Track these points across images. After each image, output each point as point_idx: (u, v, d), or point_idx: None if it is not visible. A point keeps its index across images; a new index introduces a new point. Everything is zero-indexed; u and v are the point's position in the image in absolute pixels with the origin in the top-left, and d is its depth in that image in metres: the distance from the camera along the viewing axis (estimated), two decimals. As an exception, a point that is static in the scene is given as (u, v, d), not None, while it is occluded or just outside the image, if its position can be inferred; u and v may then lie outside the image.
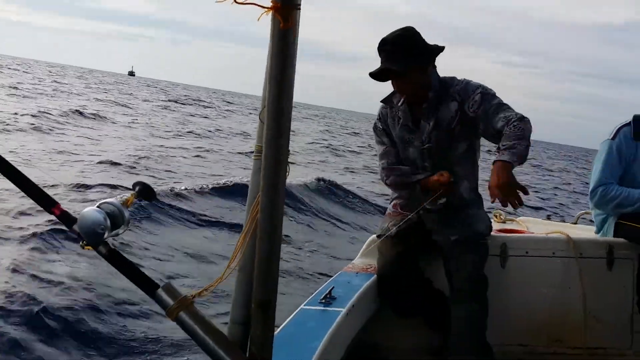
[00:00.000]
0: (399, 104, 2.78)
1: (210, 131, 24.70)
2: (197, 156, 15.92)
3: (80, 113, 23.04)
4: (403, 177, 2.76)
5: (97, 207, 1.41)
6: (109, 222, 1.39)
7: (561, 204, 15.98)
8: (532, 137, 2.48)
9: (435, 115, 2.70)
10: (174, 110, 36.82)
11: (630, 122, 2.90)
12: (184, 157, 15.39)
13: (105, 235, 1.39)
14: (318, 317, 2.16)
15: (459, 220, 2.69)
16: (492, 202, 2.38)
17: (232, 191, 10.75)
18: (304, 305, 2.28)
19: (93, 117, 22.95)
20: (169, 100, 48.09)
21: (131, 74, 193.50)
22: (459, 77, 2.74)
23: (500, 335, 2.72)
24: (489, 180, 2.37)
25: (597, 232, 3.11)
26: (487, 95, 2.63)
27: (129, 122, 23.46)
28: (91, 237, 1.39)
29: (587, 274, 2.82)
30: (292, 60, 1.26)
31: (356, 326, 2.40)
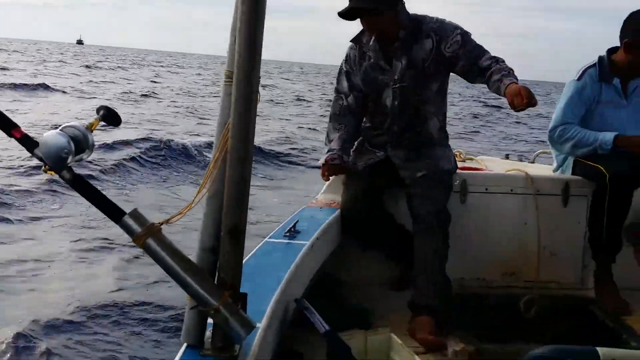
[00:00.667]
0: (369, 43, 2.75)
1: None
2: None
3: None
4: (329, 135, 2.88)
5: (60, 130, 1.36)
6: (72, 146, 1.34)
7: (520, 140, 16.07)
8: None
9: (408, 54, 2.68)
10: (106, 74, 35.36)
11: (595, 63, 2.93)
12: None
13: (69, 160, 1.35)
14: (283, 250, 2.17)
15: (426, 157, 2.72)
16: (519, 109, 2.42)
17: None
18: (269, 238, 2.29)
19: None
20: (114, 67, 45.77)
21: (79, 42, 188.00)
22: (430, 16, 2.72)
23: (458, 269, 2.80)
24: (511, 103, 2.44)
25: (557, 169, 3.17)
26: (467, 36, 2.68)
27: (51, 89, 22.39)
28: (54, 161, 1.34)
29: (543, 210, 2.90)
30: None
31: (320, 259, 2.43)
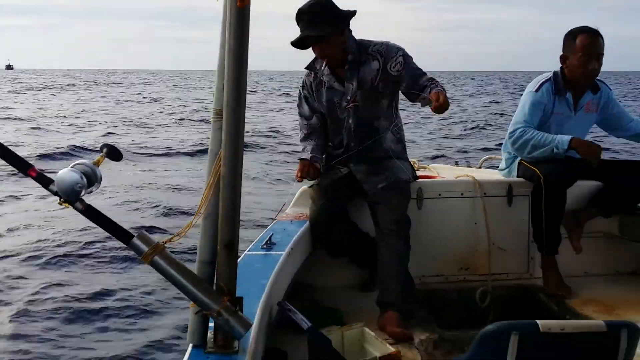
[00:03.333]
0: (322, 68, 3.04)
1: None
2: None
3: None
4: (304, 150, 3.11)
5: (72, 167, 1.57)
6: (85, 180, 1.56)
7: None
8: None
9: (357, 75, 2.97)
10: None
11: (550, 77, 3.20)
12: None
13: (82, 192, 1.56)
14: (262, 260, 2.41)
15: (385, 170, 2.99)
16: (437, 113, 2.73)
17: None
18: (248, 251, 2.52)
19: None
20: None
21: (9, 67, 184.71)
22: (375, 40, 3.02)
23: (420, 268, 3.08)
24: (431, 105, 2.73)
25: (504, 168, 3.45)
26: (408, 58, 2.96)
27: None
28: (69, 195, 1.54)
29: (490, 211, 3.21)
30: (247, 34, 1.46)
31: (295, 267, 2.67)
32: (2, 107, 25.73)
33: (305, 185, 3.18)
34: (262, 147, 14.60)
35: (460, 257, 3.27)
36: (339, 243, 3.01)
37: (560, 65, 3.23)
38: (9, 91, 41.15)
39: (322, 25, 2.83)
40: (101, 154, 1.66)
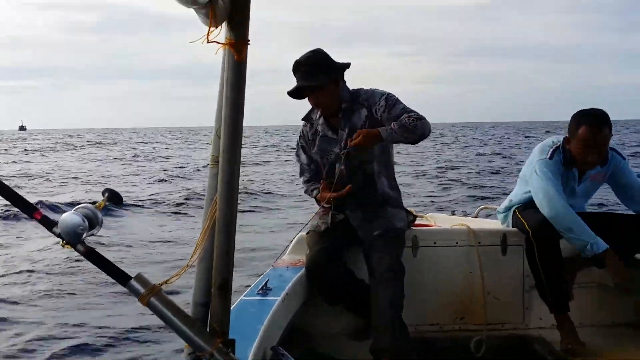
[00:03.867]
0: (317, 118, 3.16)
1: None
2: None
3: None
4: (311, 192, 3.24)
5: (75, 211, 1.64)
6: (86, 223, 1.62)
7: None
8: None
9: (349, 123, 3.08)
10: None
11: (560, 147, 3.09)
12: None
13: (84, 235, 1.63)
14: (257, 305, 2.45)
15: (380, 217, 3.06)
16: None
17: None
18: (244, 296, 2.57)
19: None
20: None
21: (22, 128, 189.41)
22: (365, 87, 3.14)
23: (414, 316, 3.10)
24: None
25: (501, 212, 3.44)
26: (390, 99, 3.05)
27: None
28: (71, 237, 1.61)
29: (485, 260, 3.25)
30: (244, 85, 1.55)
31: (290, 312, 2.71)
32: (15, 169, 26.16)
33: (302, 232, 3.24)
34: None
35: (456, 306, 3.30)
36: (335, 288, 3.05)
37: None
38: (19, 152, 41.96)
39: (317, 75, 2.97)
40: (103, 198, 1.73)
